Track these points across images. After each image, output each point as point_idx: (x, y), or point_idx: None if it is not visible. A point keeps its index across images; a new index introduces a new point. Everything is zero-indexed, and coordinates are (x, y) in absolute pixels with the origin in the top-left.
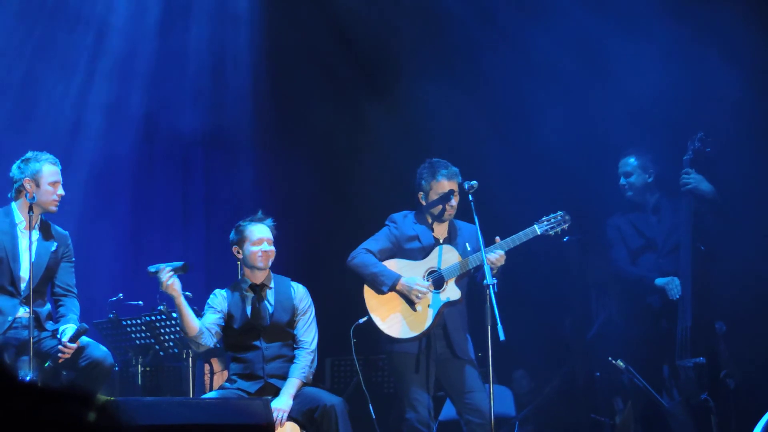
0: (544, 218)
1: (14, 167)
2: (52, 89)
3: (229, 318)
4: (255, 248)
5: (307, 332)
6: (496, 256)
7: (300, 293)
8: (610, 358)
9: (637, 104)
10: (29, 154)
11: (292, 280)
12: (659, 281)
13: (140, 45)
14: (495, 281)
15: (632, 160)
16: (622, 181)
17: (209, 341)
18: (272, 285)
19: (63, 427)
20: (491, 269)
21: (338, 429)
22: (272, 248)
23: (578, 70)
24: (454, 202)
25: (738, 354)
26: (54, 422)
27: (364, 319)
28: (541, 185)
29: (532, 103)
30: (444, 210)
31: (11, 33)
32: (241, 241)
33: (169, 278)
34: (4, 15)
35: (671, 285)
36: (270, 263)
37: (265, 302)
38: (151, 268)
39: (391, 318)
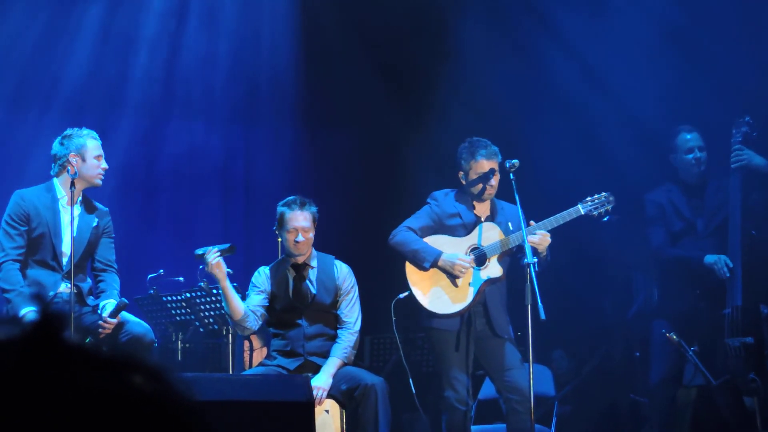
0: (588, 198)
1: (56, 144)
2: (99, 68)
3: (272, 297)
4: (290, 237)
5: (351, 313)
6: (538, 237)
7: (343, 273)
8: (663, 331)
9: (680, 83)
10: (69, 131)
11: (336, 257)
12: (708, 259)
13: (179, 18)
14: (536, 260)
15: (699, 136)
16: (697, 154)
17: (254, 324)
18: (315, 264)
19: (106, 394)
20: (539, 250)
21: (378, 408)
22: (307, 237)
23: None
24: (494, 181)
25: None
26: (95, 388)
27: (405, 294)
28: (582, 164)
29: (572, 80)
30: (484, 189)
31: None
32: (279, 223)
33: (215, 258)
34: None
35: (719, 264)
36: (306, 250)
37: (308, 282)
38: (198, 251)
39: (433, 293)
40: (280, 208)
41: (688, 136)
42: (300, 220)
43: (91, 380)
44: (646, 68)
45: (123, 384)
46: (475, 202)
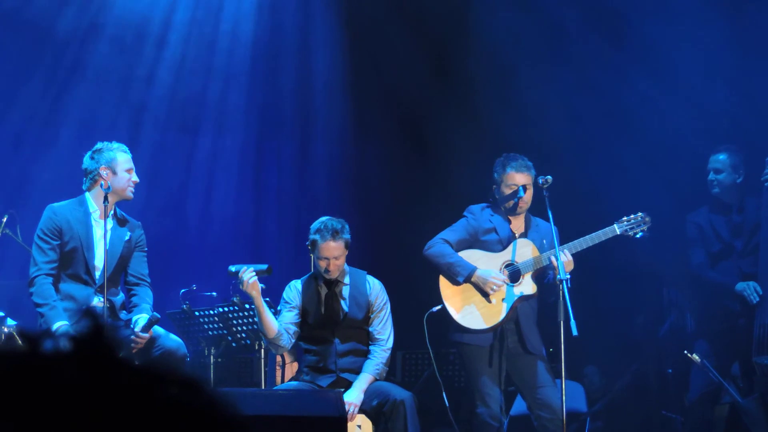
0: (624, 218)
1: (86, 158)
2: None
3: (303, 313)
4: (321, 263)
5: (383, 329)
6: (566, 258)
7: (376, 289)
8: (686, 352)
9: (718, 102)
10: (99, 145)
11: (368, 272)
12: (739, 286)
13: (213, 29)
14: (568, 276)
15: (724, 157)
16: (711, 176)
17: (288, 342)
18: (347, 280)
19: (141, 403)
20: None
21: (407, 423)
22: (337, 265)
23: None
24: (525, 195)
25: None
26: (130, 399)
27: (438, 307)
28: (618, 181)
29: (613, 97)
30: (515, 203)
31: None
32: (312, 245)
33: (251, 278)
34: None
35: (749, 291)
36: (337, 274)
37: (340, 299)
38: (232, 268)
39: (466, 308)
40: (312, 236)
41: (712, 157)
42: (332, 250)
43: (149, 394)
44: (688, 87)
45: (173, 397)
46: (509, 217)
